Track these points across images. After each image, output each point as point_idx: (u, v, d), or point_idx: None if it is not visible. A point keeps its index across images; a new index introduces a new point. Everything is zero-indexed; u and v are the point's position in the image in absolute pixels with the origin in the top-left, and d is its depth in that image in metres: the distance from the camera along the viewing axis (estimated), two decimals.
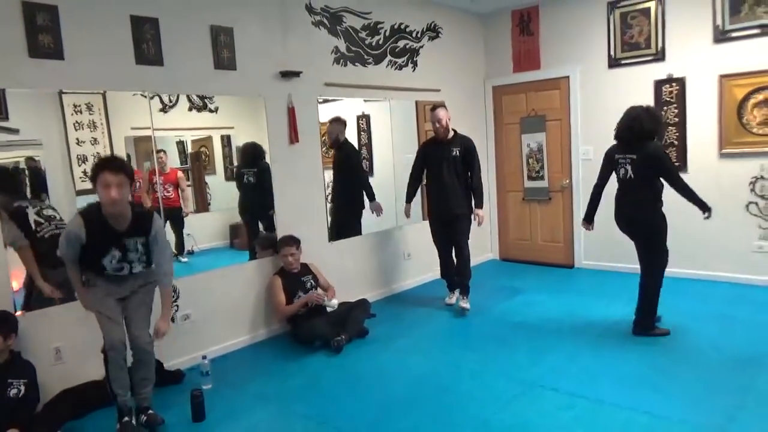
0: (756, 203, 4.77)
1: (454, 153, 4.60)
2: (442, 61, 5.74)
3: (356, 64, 4.88)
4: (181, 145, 4.54)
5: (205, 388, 3.27)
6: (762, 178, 4.71)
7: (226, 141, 4.58)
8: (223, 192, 4.50)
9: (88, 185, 3.24)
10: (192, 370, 3.65)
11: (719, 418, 2.69)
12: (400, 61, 5.29)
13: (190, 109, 4.01)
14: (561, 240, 6.03)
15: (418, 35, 5.46)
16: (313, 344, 3.98)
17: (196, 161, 4.60)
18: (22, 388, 2.83)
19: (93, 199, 2.86)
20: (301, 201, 4.50)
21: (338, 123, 4.92)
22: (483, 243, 6.45)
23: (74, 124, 3.37)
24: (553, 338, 3.93)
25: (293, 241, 4.22)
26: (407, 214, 4.92)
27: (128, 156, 3.66)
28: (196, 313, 3.84)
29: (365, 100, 5.12)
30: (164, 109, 3.90)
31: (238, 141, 4.54)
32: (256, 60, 4.12)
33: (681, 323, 3.96)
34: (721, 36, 4.82)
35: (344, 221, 5.02)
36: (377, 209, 5.14)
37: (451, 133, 4.65)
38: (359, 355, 3.83)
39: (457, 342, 4.10)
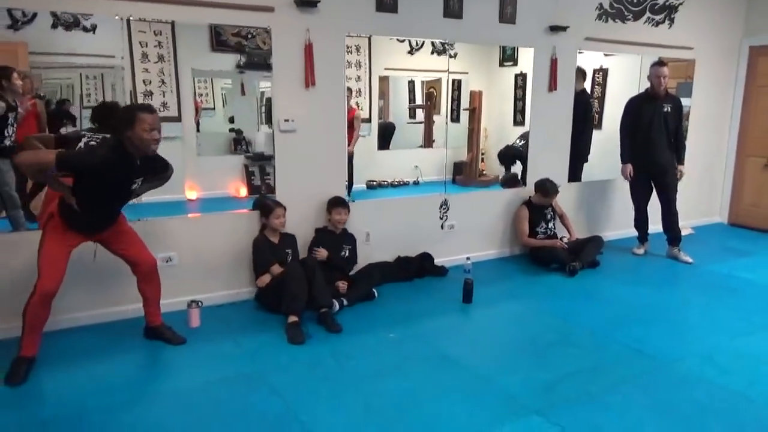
0: None
1: (666, 109, 4.82)
2: (700, 17, 5.76)
3: (616, 20, 5.22)
4: (411, 84, 5.37)
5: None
6: None
7: (456, 85, 5.28)
8: (445, 132, 5.06)
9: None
10: (454, 268, 4.59)
11: None
12: (657, 17, 5.48)
13: (432, 53, 4.75)
14: None
15: None
16: (549, 266, 4.68)
17: (428, 101, 5.35)
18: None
19: None
20: (550, 143, 5.10)
21: (578, 73, 5.33)
22: (712, 204, 6.48)
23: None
24: None
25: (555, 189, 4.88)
26: (627, 175, 5.04)
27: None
28: (459, 225, 4.75)
29: (605, 54, 5.42)
30: (411, 52, 4.72)
31: (471, 86, 5.18)
32: (531, 15, 4.72)
33: None
34: None
35: (571, 165, 5.50)
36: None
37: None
38: (591, 280, 4.46)
39: (683, 285, 4.51)
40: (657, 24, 5.50)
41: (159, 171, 2.94)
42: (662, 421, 2.53)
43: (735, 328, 3.58)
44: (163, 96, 3.68)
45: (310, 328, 3.40)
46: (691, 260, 5.00)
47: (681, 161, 4.97)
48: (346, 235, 4.11)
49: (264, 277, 3.72)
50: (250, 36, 3.79)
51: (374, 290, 3.97)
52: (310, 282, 3.48)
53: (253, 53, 3.87)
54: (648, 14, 5.41)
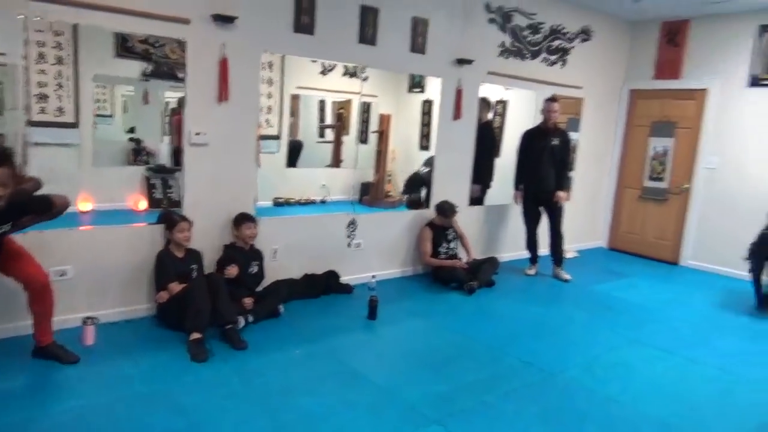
0: None
1: (555, 142, 5.35)
2: (589, 61, 6.36)
3: (516, 57, 5.64)
4: (322, 103, 5.53)
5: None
6: None
7: (366, 107, 5.48)
8: (353, 152, 5.26)
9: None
10: (360, 286, 4.69)
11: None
12: (552, 58, 5.98)
13: (343, 75, 4.91)
14: (670, 238, 6.56)
15: (572, 37, 6.11)
16: (449, 285, 4.92)
17: (339, 121, 5.51)
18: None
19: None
20: (453, 168, 5.39)
21: (484, 104, 5.71)
22: (594, 230, 7.09)
23: None
24: (650, 313, 4.66)
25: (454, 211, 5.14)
26: (517, 201, 5.57)
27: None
28: (365, 244, 4.88)
29: (505, 88, 5.84)
30: (323, 72, 4.87)
31: (380, 109, 5.37)
32: (440, 47, 5.00)
33: None
34: None
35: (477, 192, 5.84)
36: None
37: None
38: (487, 299, 4.74)
39: (568, 303, 4.90)
40: (552, 64, 6.00)
41: (40, 211, 2.84)
42: (548, 427, 2.77)
43: (611, 341, 3.96)
44: (60, 100, 3.52)
45: (214, 345, 3.36)
46: (569, 277, 5.49)
47: (561, 188, 5.47)
48: (254, 251, 4.10)
49: (164, 293, 3.62)
50: (158, 44, 3.73)
51: (280, 307, 3.98)
52: (214, 297, 3.44)
53: (160, 62, 3.81)
54: (544, 54, 5.90)
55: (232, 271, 3.79)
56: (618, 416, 2.94)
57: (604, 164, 6.96)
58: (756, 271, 4.79)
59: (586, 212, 6.82)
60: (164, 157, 4.20)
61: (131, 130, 4.11)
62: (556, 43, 5.98)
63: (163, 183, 4.13)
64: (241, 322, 3.60)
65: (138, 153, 4.14)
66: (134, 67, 3.79)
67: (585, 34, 6.24)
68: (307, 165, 5.39)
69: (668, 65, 6.49)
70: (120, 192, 4.04)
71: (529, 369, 3.42)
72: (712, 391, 3.31)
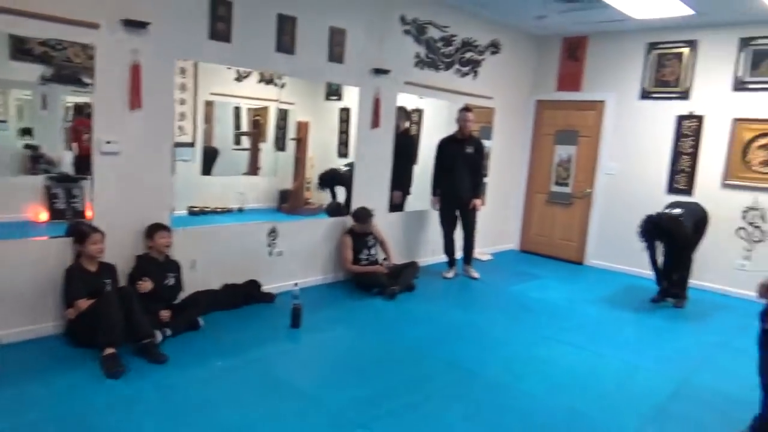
0: (745, 228, 5.71)
1: (469, 150, 5.60)
2: (498, 73, 6.66)
3: (431, 68, 5.82)
4: (237, 110, 5.48)
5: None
6: (753, 208, 5.65)
7: (283, 114, 5.49)
8: (271, 160, 5.25)
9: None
10: (282, 294, 4.65)
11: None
12: (464, 69, 6.23)
13: (259, 82, 4.90)
14: (575, 240, 6.99)
15: (482, 49, 6.39)
16: (371, 291, 4.97)
17: (255, 129, 5.47)
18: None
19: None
20: (372, 175, 5.47)
21: (403, 113, 5.87)
22: (507, 233, 7.42)
23: None
24: (561, 311, 4.94)
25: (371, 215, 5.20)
26: (434, 206, 5.81)
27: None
28: (287, 252, 4.85)
29: (420, 97, 6.02)
30: (239, 79, 4.84)
31: (297, 116, 5.37)
32: (358, 57, 5.07)
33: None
34: (739, 85, 5.73)
35: (398, 198, 5.98)
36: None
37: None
38: (409, 303, 4.83)
39: (487, 304, 5.11)
40: (464, 75, 6.24)
41: None
42: (471, 424, 2.88)
43: (527, 339, 4.17)
44: None
45: (130, 361, 3.21)
46: (477, 275, 5.79)
47: (477, 195, 5.71)
48: (170, 262, 3.96)
49: (71, 310, 3.42)
50: (59, 47, 3.54)
51: (199, 319, 3.86)
52: (127, 311, 3.29)
53: (62, 66, 3.61)
54: (457, 66, 6.12)
55: (145, 285, 3.63)
56: (535, 408, 3.10)
57: (514, 171, 7.31)
58: (650, 249, 5.14)
59: (499, 217, 7.13)
60: (67, 166, 3.97)
61: (25, 135, 3.84)
62: (468, 55, 6.23)
63: (66, 193, 3.89)
64: (159, 336, 3.47)
65: (36, 161, 3.88)
66: (32, 71, 3.56)
67: (494, 47, 6.54)
68: (223, 173, 5.28)
69: (570, 78, 6.93)
70: (15, 202, 3.77)
71: (451, 369, 3.53)
72: (616, 380, 3.57)
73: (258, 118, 5.47)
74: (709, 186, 5.90)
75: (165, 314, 3.67)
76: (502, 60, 6.67)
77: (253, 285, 4.51)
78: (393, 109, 5.55)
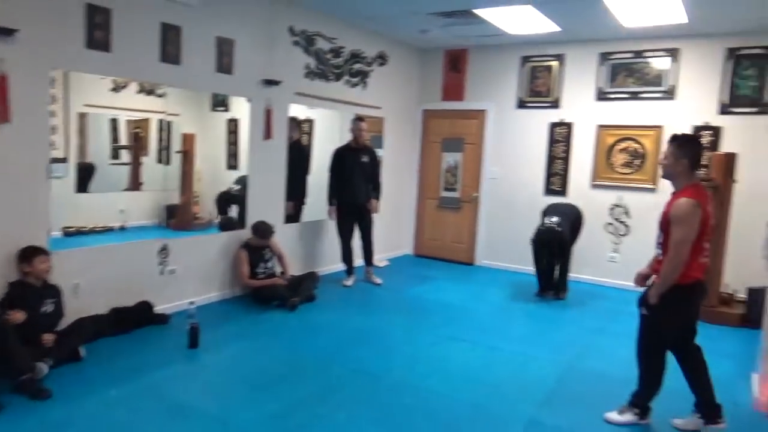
0: (612, 224, 6.31)
1: (364, 159, 5.76)
2: (386, 83, 6.85)
3: (321, 79, 5.86)
4: (115, 123, 5.23)
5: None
6: (618, 206, 6.26)
7: (166, 126, 5.30)
8: (156, 174, 5.04)
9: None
10: (178, 314, 4.44)
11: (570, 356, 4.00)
12: (354, 80, 6.33)
13: (139, 92, 4.70)
14: (465, 242, 7.33)
15: (370, 61, 6.54)
16: (271, 304, 4.90)
17: (135, 142, 5.23)
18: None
19: None
20: (267, 187, 5.40)
21: (294, 123, 5.85)
22: (401, 239, 7.62)
23: None
24: (457, 310, 5.16)
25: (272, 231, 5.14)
26: (331, 215, 5.81)
27: None
28: (180, 270, 4.64)
29: (309, 107, 6.03)
30: (116, 89, 4.61)
31: (182, 128, 5.18)
32: (247, 68, 4.99)
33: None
34: (601, 95, 6.33)
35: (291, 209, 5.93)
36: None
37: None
38: (310, 314, 4.82)
39: (387, 309, 5.21)
40: (354, 85, 6.34)
41: None
42: (380, 428, 2.93)
43: (428, 339, 4.31)
44: None
45: (7, 399, 2.92)
46: (380, 281, 5.91)
47: (377, 198, 5.90)
48: (48, 287, 3.64)
49: None
50: None
51: (81, 349, 3.57)
52: (4, 345, 2.99)
53: None
54: (346, 77, 6.22)
55: (16, 316, 3.28)
56: (439, 405, 3.22)
57: (405, 178, 7.53)
58: (537, 258, 5.60)
59: (393, 223, 7.30)
60: None
61: None
62: (357, 66, 6.35)
63: None
64: (43, 369, 3.17)
65: None
66: None
67: (382, 59, 6.72)
68: (101, 189, 4.94)
69: (453, 88, 7.28)
70: None
71: (357, 376, 3.57)
72: (510, 371, 3.80)
73: (138, 131, 5.18)
74: (580, 187, 6.46)
75: (48, 338, 3.37)
76: (389, 71, 6.86)
77: (144, 307, 4.27)
78: (285, 120, 5.52)
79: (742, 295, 5.17)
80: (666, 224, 2.84)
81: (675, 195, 2.88)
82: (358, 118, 5.77)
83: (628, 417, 3.09)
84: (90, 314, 3.87)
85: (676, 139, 2.91)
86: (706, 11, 4.94)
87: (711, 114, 5.73)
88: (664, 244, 2.87)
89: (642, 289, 3.05)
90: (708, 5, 4.77)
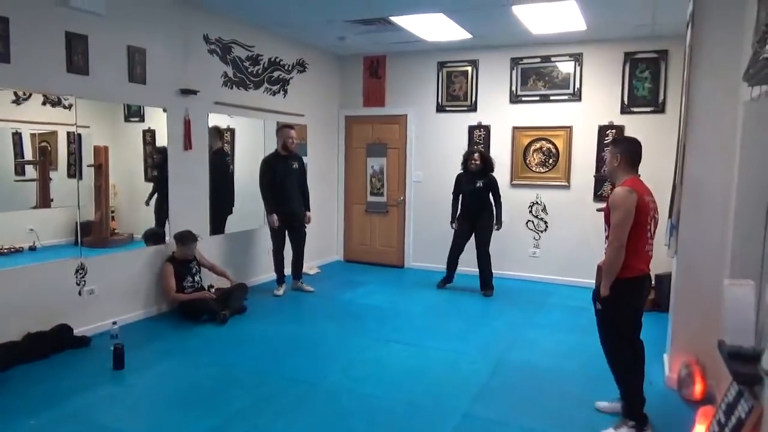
0: (532, 221, 6.62)
1: (295, 166, 5.78)
2: (307, 91, 6.85)
3: (240, 87, 5.79)
4: (17, 136, 4.97)
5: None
6: (536, 203, 6.57)
7: (76, 138, 5.08)
8: (66, 190, 4.74)
9: None
10: (100, 335, 4.24)
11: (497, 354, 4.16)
12: (274, 88, 6.29)
13: (44, 104, 4.50)
14: (395, 245, 7.44)
15: (290, 68, 6.52)
16: (200, 318, 4.77)
17: (42, 156, 4.98)
18: None
19: None
20: (189, 199, 5.26)
21: (216, 133, 5.73)
22: (330, 246, 7.62)
23: None
24: (389, 313, 5.24)
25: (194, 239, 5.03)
26: (274, 223, 5.66)
27: None
28: (100, 289, 4.43)
29: (229, 116, 5.94)
30: (17, 101, 4.38)
31: (94, 140, 5.02)
32: (162, 77, 4.85)
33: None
34: (515, 98, 6.63)
35: (216, 218, 5.80)
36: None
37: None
38: (241, 326, 4.74)
39: (320, 316, 5.20)
40: (274, 93, 6.30)
41: None
42: None
43: (362, 344, 4.35)
44: None
45: None
46: (312, 289, 5.92)
47: (308, 208, 5.89)
48: None
49: None
50: None
51: None
52: None
53: None
54: (266, 85, 6.17)
55: None
56: (377, 407, 3.27)
57: (331, 184, 7.54)
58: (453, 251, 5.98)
59: (321, 229, 7.29)
60: None
61: None
62: (276, 74, 6.31)
63: None
64: None
65: None
66: None
67: (301, 66, 6.72)
68: (5, 208, 4.64)
69: (374, 94, 7.39)
70: None
71: (293, 385, 3.55)
72: (443, 368, 3.90)
73: (45, 144, 4.90)
74: (501, 187, 6.68)
75: None
76: (309, 78, 6.87)
77: (63, 330, 4.04)
78: (205, 130, 5.40)
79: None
80: (607, 215, 2.91)
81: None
82: (287, 126, 5.76)
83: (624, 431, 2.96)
84: (3, 341, 3.64)
85: (613, 140, 3.04)
86: (602, 19, 5.30)
87: (614, 114, 6.15)
88: (608, 237, 2.92)
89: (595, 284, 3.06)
90: (603, 13, 5.12)
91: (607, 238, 2.93)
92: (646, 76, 6.00)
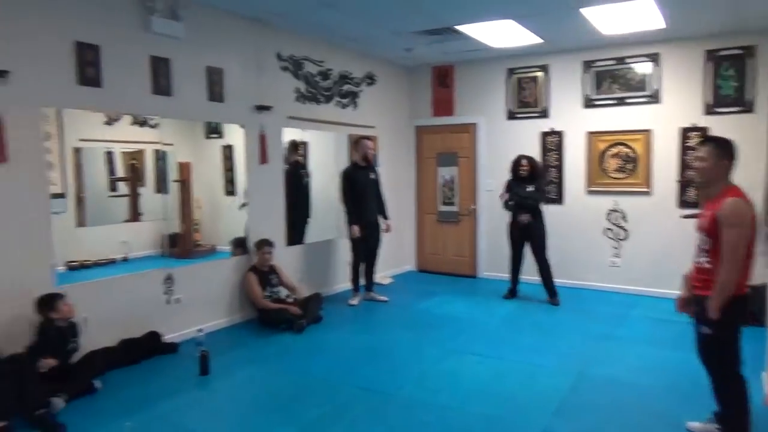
0: (611, 229, 6.37)
1: (373, 176, 5.86)
2: (377, 102, 6.95)
3: (312, 102, 5.95)
4: (110, 155, 5.28)
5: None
6: (615, 210, 6.33)
7: (162, 156, 5.35)
8: (154, 204, 5.09)
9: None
10: (187, 342, 4.46)
11: (578, 365, 4.02)
12: (344, 101, 6.43)
13: (132, 124, 4.76)
14: (467, 255, 7.37)
15: (359, 81, 6.64)
16: (279, 327, 4.91)
17: (132, 173, 5.29)
18: None
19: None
20: (266, 210, 5.45)
21: (291, 146, 5.92)
22: (403, 256, 7.65)
23: None
24: (463, 323, 5.19)
25: (269, 243, 5.20)
26: (356, 234, 5.74)
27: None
28: (186, 298, 4.66)
29: (302, 129, 6.10)
30: (109, 123, 4.68)
31: (177, 157, 5.25)
32: (238, 95, 5.08)
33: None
34: (588, 103, 6.43)
35: (295, 229, 5.97)
36: None
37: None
38: (318, 334, 4.84)
39: (394, 326, 5.22)
40: (344, 106, 6.43)
41: None
42: None
43: (435, 355, 4.33)
44: None
45: None
46: (385, 299, 5.96)
47: (387, 217, 6.02)
48: (72, 326, 3.67)
49: None
50: None
51: (95, 381, 3.59)
52: (20, 381, 3.01)
53: None
54: (337, 98, 6.31)
55: (49, 362, 3.35)
56: (453, 420, 3.23)
57: (403, 194, 7.58)
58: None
59: (395, 239, 7.32)
60: None
61: None
62: (346, 87, 6.44)
63: None
64: (59, 404, 3.18)
65: None
66: None
67: (370, 79, 6.82)
68: (101, 222, 4.97)
69: (443, 104, 7.38)
70: None
71: (367, 394, 3.58)
72: (520, 381, 3.81)
73: (134, 162, 5.23)
74: (576, 194, 6.53)
75: (50, 362, 3.37)
76: (378, 90, 6.96)
77: (153, 337, 4.29)
78: (280, 144, 5.58)
79: None
80: (712, 228, 2.60)
81: (716, 198, 2.66)
82: (366, 138, 5.92)
83: None
84: (100, 348, 3.89)
85: (713, 140, 2.72)
86: (683, 16, 5.06)
87: (697, 115, 5.83)
88: (712, 251, 2.63)
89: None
90: (684, 10, 4.88)
91: (705, 251, 2.67)
92: (731, 73, 5.66)
